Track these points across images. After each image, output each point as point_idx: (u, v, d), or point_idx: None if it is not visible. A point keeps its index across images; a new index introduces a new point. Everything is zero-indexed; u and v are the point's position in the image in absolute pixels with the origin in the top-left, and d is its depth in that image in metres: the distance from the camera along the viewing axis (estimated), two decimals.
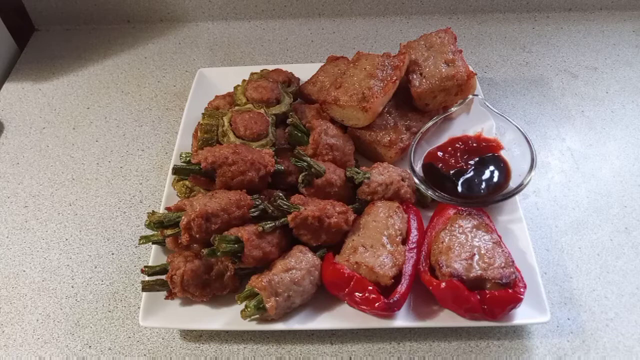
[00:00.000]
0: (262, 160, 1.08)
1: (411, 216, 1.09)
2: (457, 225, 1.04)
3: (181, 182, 1.16)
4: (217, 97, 1.35)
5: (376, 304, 0.93)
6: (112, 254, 1.18)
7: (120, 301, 1.10)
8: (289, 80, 1.38)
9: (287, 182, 1.14)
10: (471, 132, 1.23)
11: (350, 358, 1.01)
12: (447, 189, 1.13)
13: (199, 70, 1.45)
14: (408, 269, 0.99)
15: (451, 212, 1.08)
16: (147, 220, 1.06)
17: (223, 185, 1.05)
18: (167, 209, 1.01)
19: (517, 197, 1.12)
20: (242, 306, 0.96)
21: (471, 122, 1.24)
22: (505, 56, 1.62)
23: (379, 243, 1.01)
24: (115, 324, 1.07)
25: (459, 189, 1.13)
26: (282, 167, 1.12)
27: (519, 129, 1.17)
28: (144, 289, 1.00)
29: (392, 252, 1.00)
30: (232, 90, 1.33)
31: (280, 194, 1.05)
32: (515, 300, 0.93)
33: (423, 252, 1.04)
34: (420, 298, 1.00)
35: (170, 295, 1.01)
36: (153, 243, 1.07)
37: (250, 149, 1.10)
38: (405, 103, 1.29)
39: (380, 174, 1.12)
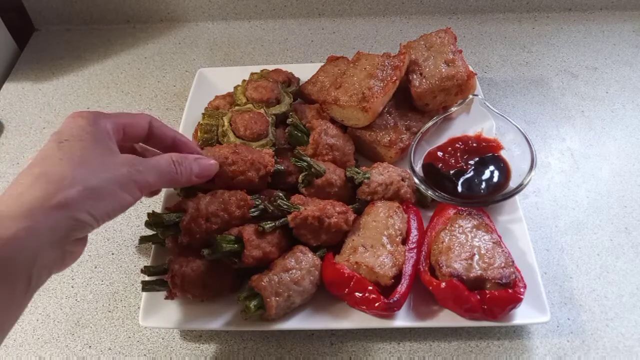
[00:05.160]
0: (262, 160, 1.08)
1: (411, 216, 1.09)
2: (457, 225, 1.04)
3: None
4: (217, 97, 1.35)
5: (376, 304, 0.93)
6: (112, 254, 1.18)
7: (120, 301, 1.10)
8: (289, 80, 1.37)
9: (287, 182, 1.14)
10: (471, 132, 1.23)
11: (350, 358, 1.01)
12: (447, 189, 1.13)
13: (199, 70, 1.45)
14: (408, 269, 1.00)
15: (451, 212, 1.08)
16: (147, 220, 1.06)
17: (223, 185, 1.05)
18: (167, 208, 1.01)
19: (517, 197, 1.12)
20: (242, 306, 0.96)
21: (471, 122, 1.24)
22: (505, 56, 1.62)
23: (379, 243, 1.01)
24: (115, 324, 1.07)
25: (459, 189, 1.13)
26: (282, 167, 1.12)
27: (519, 129, 1.17)
28: (144, 289, 1.00)
29: (392, 252, 1.00)
30: (232, 90, 1.33)
31: (280, 194, 1.05)
32: (515, 300, 0.93)
33: (423, 252, 1.04)
34: (420, 298, 1.00)
35: (170, 295, 1.01)
36: (153, 243, 1.07)
37: (250, 148, 1.10)
38: (405, 103, 1.29)
39: (380, 174, 1.12)
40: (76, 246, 0.76)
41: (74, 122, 0.76)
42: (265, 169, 1.08)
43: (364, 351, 1.01)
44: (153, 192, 1.01)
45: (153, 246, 1.09)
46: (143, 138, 0.89)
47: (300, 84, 1.40)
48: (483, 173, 1.15)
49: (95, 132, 0.75)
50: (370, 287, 0.94)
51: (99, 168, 0.72)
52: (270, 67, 1.41)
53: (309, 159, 1.09)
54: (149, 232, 1.07)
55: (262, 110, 1.21)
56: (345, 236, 1.06)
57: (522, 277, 0.97)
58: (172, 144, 0.93)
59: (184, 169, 0.87)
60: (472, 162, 1.18)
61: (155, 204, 1.26)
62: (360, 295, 0.94)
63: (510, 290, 0.93)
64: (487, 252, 0.98)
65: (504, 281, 0.93)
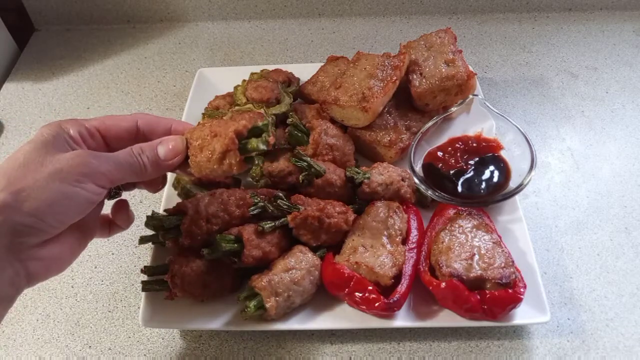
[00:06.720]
0: (227, 127, 0.85)
1: (411, 216, 1.09)
2: (457, 225, 1.04)
3: (181, 184, 1.16)
4: (217, 97, 1.35)
5: (376, 304, 0.93)
6: (112, 254, 1.18)
7: (120, 301, 1.10)
8: (289, 80, 1.37)
9: (287, 182, 1.14)
10: (471, 132, 1.23)
11: (350, 358, 1.01)
12: (447, 189, 1.13)
13: (199, 70, 1.45)
14: (408, 269, 1.00)
15: (451, 212, 1.08)
16: (147, 221, 1.06)
17: (195, 165, 0.85)
18: (166, 211, 1.00)
19: (517, 197, 1.12)
20: (242, 306, 0.96)
21: (471, 122, 1.24)
22: (505, 56, 1.62)
23: (379, 243, 1.01)
24: (115, 324, 1.07)
25: (459, 189, 1.13)
26: (265, 127, 0.88)
27: (519, 129, 1.17)
28: (144, 289, 1.00)
29: (392, 252, 1.00)
30: (232, 90, 1.33)
31: (280, 194, 1.05)
32: (515, 300, 0.93)
33: (423, 252, 1.04)
34: (420, 298, 1.00)
35: (170, 295, 1.01)
36: (153, 243, 1.07)
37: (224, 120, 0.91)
38: (405, 103, 1.29)
39: (380, 174, 1.12)
40: (44, 252, 0.70)
41: (39, 131, 0.74)
42: (232, 133, 0.83)
43: (364, 351, 1.01)
44: (153, 187, 0.91)
45: (153, 246, 1.09)
46: (132, 138, 0.84)
47: (300, 84, 1.40)
48: (483, 173, 1.15)
49: (50, 136, 0.73)
50: (370, 287, 0.94)
51: (37, 167, 0.68)
52: (270, 67, 1.41)
53: (309, 159, 1.09)
54: (149, 232, 1.07)
55: (262, 110, 1.21)
56: (345, 236, 1.06)
57: (522, 277, 0.97)
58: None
59: (147, 159, 0.79)
60: (472, 162, 1.18)
61: (155, 204, 1.27)
62: (360, 295, 0.94)
63: (510, 290, 0.93)
64: (487, 252, 0.98)
65: (504, 281, 0.93)
